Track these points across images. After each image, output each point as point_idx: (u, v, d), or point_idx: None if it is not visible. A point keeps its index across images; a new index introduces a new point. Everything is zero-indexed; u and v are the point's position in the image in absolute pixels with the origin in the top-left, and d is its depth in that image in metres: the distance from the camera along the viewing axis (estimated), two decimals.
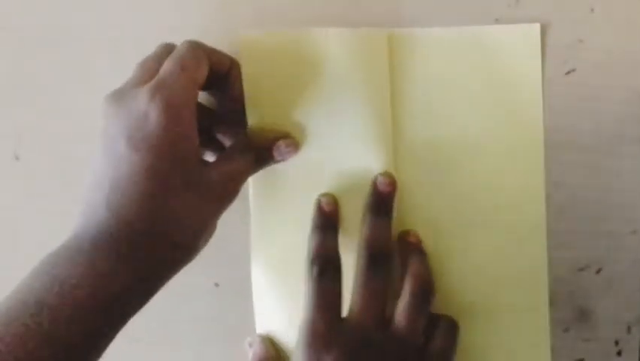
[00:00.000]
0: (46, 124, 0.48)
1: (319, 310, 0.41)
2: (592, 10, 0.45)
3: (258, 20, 0.47)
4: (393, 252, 0.44)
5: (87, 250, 0.37)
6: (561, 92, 0.46)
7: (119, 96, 0.40)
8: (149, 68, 0.41)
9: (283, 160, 0.44)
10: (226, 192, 0.41)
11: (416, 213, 0.45)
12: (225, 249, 0.46)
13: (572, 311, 0.46)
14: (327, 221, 0.44)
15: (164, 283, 0.39)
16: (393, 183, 0.44)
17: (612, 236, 0.46)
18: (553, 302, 0.45)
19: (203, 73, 0.41)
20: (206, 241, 0.41)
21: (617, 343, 0.46)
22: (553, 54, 0.45)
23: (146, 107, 0.38)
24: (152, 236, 0.38)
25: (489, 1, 0.46)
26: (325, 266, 0.42)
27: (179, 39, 0.47)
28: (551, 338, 0.45)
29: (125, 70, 0.47)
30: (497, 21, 0.46)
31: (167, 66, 0.40)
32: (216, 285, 0.48)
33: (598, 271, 0.46)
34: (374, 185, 0.44)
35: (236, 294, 0.47)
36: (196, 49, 0.41)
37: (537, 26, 0.45)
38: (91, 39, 0.48)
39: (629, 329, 0.46)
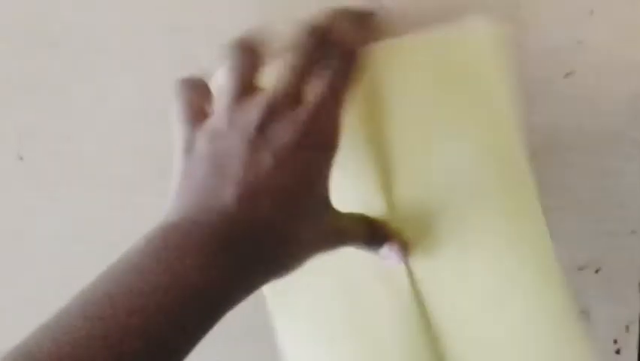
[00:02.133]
0: (50, 124, 0.48)
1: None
2: (591, 11, 0.45)
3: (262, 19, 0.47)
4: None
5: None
6: (561, 94, 0.46)
7: (278, 112, 0.38)
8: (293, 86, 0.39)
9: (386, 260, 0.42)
10: (331, 241, 0.40)
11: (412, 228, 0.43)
12: None
13: None
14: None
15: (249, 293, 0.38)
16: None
17: (612, 236, 0.46)
18: None
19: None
20: (291, 272, 0.39)
21: (615, 342, 0.46)
22: (553, 55, 0.45)
23: (305, 129, 0.37)
24: (268, 238, 0.37)
25: (489, 1, 0.46)
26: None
27: (179, 39, 0.47)
28: None
29: (125, 70, 0.48)
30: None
31: (318, 89, 0.38)
32: None
33: (597, 271, 0.46)
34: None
35: None
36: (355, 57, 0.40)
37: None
38: (93, 39, 0.48)
39: (627, 328, 0.46)
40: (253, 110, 0.37)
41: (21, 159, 0.48)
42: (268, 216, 0.36)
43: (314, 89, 0.38)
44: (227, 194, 0.36)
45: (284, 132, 0.37)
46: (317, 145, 0.38)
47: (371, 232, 0.42)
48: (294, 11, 0.47)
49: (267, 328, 0.47)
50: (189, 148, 0.38)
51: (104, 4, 0.48)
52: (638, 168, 0.46)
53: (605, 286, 0.46)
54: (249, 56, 0.40)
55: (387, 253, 0.42)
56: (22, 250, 0.48)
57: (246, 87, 0.39)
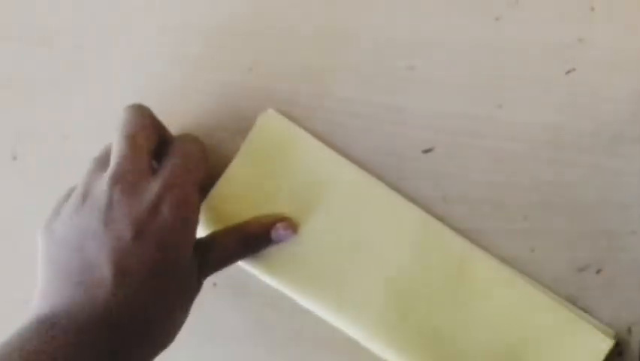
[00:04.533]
0: (44, 124, 0.48)
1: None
2: (592, 8, 0.45)
3: (256, 19, 0.47)
4: None
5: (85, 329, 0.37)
6: (561, 92, 0.46)
7: (127, 185, 0.39)
8: (142, 160, 0.40)
9: (281, 242, 0.45)
10: (201, 283, 0.43)
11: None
12: None
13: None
14: None
15: None
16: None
17: (612, 236, 0.46)
18: None
19: (203, 175, 0.42)
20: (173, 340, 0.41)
21: (617, 343, 0.45)
22: (553, 53, 0.45)
23: (158, 200, 0.39)
24: (144, 327, 0.39)
25: (489, 0, 0.46)
26: None
27: (178, 39, 0.47)
28: None
29: (125, 70, 0.47)
30: (497, 20, 0.46)
31: (173, 166, 0.40)
32: (214, 285, 0.47)
33: (598, 272, 0.46)
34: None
35: (235, 294, 0.47)
36: (199, 150, 0.42)
37: (610, 343, 0.44)
38: (90, 39, 0.48)
39: (629, 330, 0.46)
40: (104, 184, 0.39)
41: (15, 158, 0.48)
42: (139, 301, 0.38)
43: (166, 164, 0.40)
44: (96, 282, 0.37)
45: (137, 206, 0.38)
46: (175, 216, 0.39)
47: (246, 238, 0.44)
48: (287, 8, 0.47)
49: (265, 329, 0.46)
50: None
51: (103, 5, 0.48)
52: (638, 168, 0.46)
53: (606, 288, 0.46)
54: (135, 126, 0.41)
55: (277, 236, 0.44)
56: (15, 250, 0.48)
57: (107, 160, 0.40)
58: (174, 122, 0.47)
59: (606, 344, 0.44)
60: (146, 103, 0.47)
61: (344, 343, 0.45)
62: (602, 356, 0.44)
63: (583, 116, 0.46)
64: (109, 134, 0.46)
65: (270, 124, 0.46)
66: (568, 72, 0.45)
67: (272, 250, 0.45)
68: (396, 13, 0.47)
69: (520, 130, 0.46)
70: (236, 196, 0.46)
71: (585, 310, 0.45)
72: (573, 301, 0.46)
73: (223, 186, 0.46)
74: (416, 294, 0.45)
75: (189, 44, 0.48)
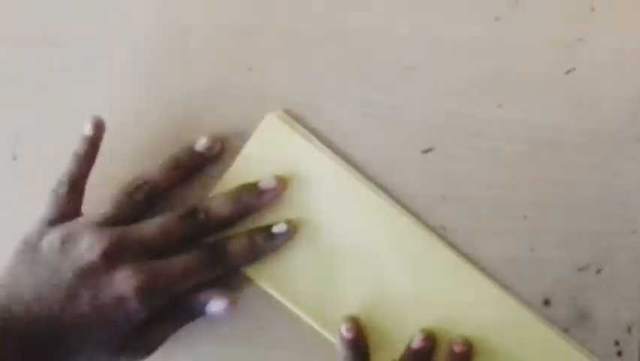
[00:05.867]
0: (44, 124, 0.48)
1: None
2: (592, 8, 0.45)
3: (256, 19, 0.47)
4: None
5: None
6: (561, 91, 0.46)
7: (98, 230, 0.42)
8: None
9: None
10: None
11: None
12: None
13: (571, 311, 0.46)
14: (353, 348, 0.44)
15: None
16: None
17: (612, 236, 0.46)
18: (553, 302, 0.45)
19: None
20: None
21: (617, 343, 0.45)
22: (553, 53, 0.45)
23: (123, 290, 0.40)
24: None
25: (489, 0, 0.46)
26: None
27: (179, 39, 0.47)
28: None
29: (125, 70, 0.47)
30: (497, 20, 0.46)
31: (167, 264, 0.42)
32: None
33: (598, 271, 0.46)
34: (409, 345, 0.44)
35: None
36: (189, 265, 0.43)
37: None
38: (91, 39, 0.48)
39: (629, 330, 0.46)
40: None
41: (15, 158, 0.48)
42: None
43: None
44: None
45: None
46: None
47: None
48: (287, 8, 0.47)
49: (264, 329, 0.46)
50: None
51: (104, 5, 0.48)
52: (638, 168, 0.46)
53: (606, 287, 0.46)
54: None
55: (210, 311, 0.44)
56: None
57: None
58: (175, 123, 0.47)
59: None
60: (146, 103, 0.47)
61: None
62: None
63: (583, 116, 0.46)
64: (109, 135, 0.47)
65: (275, 126, 0.46)
66: (568, 72, 0.46)
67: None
68: (396, 12, 0.47)
69: (520, 130, 0.46)
70: None
71: (586, 312, 0.45)
72: (573, 300, 0.46)
73: (224, 187, 0.46)
74: (407, 300, 0.45)
75: (189, 45, 0.48)
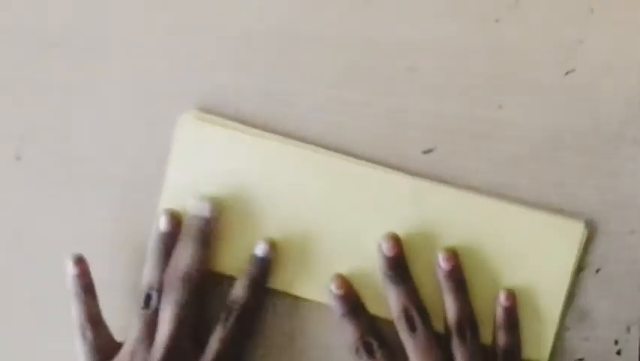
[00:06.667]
0: (48, 125, 0.48)
1: None
2: (591, 10, 0.45)
3: (256, 20, 0.47)
4: (427, 311, 0.45)
5: None
6: (561, 92, 0.46)
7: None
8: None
9: None
10: None
11: None
12: None
13: (571, 311, 0.46)
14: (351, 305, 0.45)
15: None
16: (397, 245, 0.45)
17: (612, 236, 0.46)
18: None
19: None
20: None
21: (616, 342, 0.46)
22: (553, 54, 0.45)
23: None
24: None
25: (489, 2, 0.46)
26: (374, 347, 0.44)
27: (177, 39, 0.47)
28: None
29: (125, 70, 0.47)
30: (497, 22, 0.46)
31: None
32: None
33: (597, 271, 0.46)
34: (380, 253, 0.45)
35: None
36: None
37: (581, 226, 0.45)
38: (94, 41, 0.48)
39: (628, 329, 0.46)
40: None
41: (19, 159, 0.48)
42: None
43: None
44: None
45: None
46: None
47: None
48: (287, 9, 0.47)
49: (264, 329, 0.47)
50: None
51: (105, 5, 0.48)
52: (638, 167, 0.46)
53: (605, 287, 0.46)
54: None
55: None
56: (19, 250, 0.48)
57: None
58: (175, 123, 0.47)
59: (578, 229, 0.45)
60: (147, 104, 0.47)
61: (343, 343, 0.45)
62: (578, 241, 0.45)
63: (582, 116, 0.46)
64: (110, 135, 0.47)
65: (194, 127, 0.46)
66: (567, 73, 0.46)
67: None
68: (397, 14, 0.47)
69: (520, 131, 0.46)
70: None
71: (585, 311, 0.45)
72: (573, 300, 0.46)
73: (168, 200, 0.46)
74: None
75: (190, 45, 0.48)
